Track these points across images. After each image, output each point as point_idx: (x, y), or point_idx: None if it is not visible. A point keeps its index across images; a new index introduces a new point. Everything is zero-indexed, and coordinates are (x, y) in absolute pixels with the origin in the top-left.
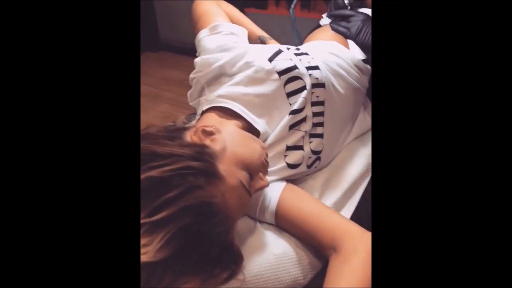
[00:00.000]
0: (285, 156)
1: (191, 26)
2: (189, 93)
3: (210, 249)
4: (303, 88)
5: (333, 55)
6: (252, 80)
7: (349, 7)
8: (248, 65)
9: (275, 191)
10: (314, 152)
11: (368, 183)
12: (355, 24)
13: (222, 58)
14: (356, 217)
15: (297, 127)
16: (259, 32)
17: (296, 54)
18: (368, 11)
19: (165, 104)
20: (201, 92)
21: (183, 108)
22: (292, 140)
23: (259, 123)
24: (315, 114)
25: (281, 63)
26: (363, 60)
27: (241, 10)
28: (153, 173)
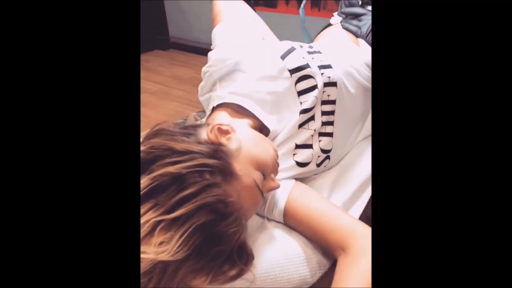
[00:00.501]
0: (294, 154)
1: (210, 22)
2: (200, 86)
3: (224, 247)
4: (315, 87)
5: (345, 54)
6: (264, 78)
7: (360, 4)
8: (260, 62)
9: (283, 190)
10: (323, 150)
11: None
12: (366, 23)
13: (236, 54)
14: (364, 217)
15: (305, 126)
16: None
17: (309, 53)
18: None
19: (174, 102)
20: (212, 87)
21: (192, 106)
22: (301, 138)
23: (269, 121)
24: (324, 113)
25: (293, 61)
26: None
27: (252, 9)
28: (171, 169)
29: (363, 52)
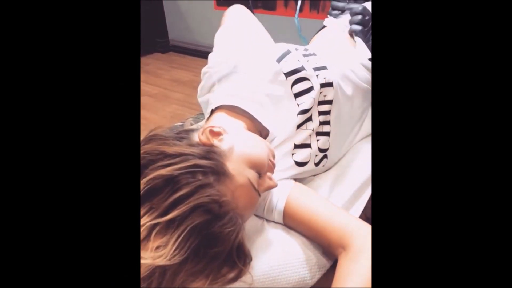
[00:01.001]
0: (293, 154)
1: (209, 26)
2: (199, 86)
3: (221, 248)
4: (311, 88)
5: (340, 55)
6: (261, 80)
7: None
8: (257, 65)
9: (283, 190)
10: (321, 150)
11: None
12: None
13: (234, 57)
14: (364, 218)
15: (304, 126)
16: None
17: (304, 55)
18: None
19: (173, 104)
20: (211, 88)
21: (191, 109)
22: (299, 138)
23: (267, 122)
24: (321, 113)
25: (288, 64)
26: (370, 59)
27: (250, 11)
28: (163, 171)
29: (359, 53)
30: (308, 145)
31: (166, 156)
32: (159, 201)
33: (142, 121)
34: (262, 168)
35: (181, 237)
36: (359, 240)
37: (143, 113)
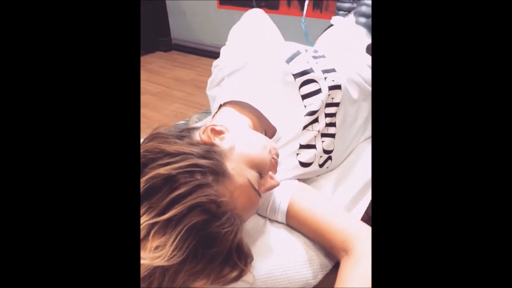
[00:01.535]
0: (298, 154)
1: (212, 24)
2: (210, 79)
3: (219, 249)
4: (319, 91)
5: (349, 58)
6: (269, 80)
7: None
8: (266, 64)
9: (286, 191)
10: (325, 151)
11: None
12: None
13: (245, 54)
14: (366, 217)
15: (310, 127)
16: None
17: (314, 57)
18: None
19: (176, 103)
20: (221, 81)
21: (193, 107)
22: (305, 139)
23: (274, 120)
24: (327, 115)
25: (298, 65)
26: None
27: None
28: (161, 170)
29: (367, 54)
30: (313, 146)
31: (166, 155)
32: (157, 200)
33: (144, 119)
34: (263, 168)
35: (179, 237)
36: (362, 244)
37: (145, 111)
